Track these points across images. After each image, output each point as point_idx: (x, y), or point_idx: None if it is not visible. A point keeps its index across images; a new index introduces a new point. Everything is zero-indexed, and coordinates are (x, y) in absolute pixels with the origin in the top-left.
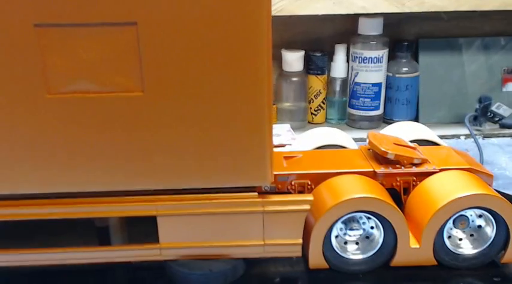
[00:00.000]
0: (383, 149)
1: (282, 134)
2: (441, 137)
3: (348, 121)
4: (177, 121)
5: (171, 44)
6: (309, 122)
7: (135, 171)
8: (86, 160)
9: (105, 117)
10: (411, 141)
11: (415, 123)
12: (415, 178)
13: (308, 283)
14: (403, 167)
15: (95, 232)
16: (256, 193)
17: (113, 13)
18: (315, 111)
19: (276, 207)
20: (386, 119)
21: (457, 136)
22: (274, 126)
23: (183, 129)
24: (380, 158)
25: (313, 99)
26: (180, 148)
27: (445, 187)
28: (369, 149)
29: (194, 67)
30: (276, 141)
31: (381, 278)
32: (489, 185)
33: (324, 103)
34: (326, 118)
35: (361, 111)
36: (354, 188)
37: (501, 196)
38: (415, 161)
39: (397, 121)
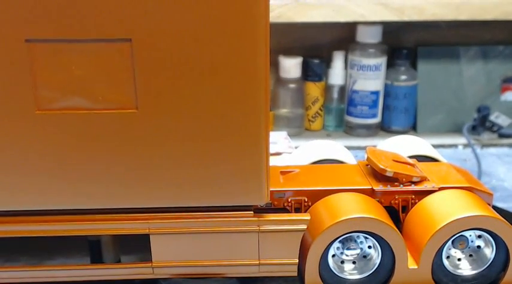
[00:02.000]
0: (381, 166)
1: (279, 142)
2: (439, 146)
3: (346, 129)
4: (171, 139)
5: (165, 61)
6: (306, 129)
7: (127, 189)
8: (76, 178)
9: (97, 135)
10: (410, 157)
11: (414, 137)
12: (413, 196)
13: None
14: (401, 185)
15: (87, 248)
16: (251, 212)
17: (106, 29)
18: (312, 118)
19: (272, 226)
20: (384, 127)
21: (455, 146)
22: (270, 133)
23: (177, 146)
24: (378, 175)
25: (311, 106)
26: (174, 166)
27: (445, 207)
28: (367, 165)
29: (189, 83)
30: (272, 149)
31: None
32: (489, 204)
33: (321, 110)
34: (323, 125)
35: (359, 119)
36: (351, 207)
37: (501, 218)
38: (414, 179)
39: (395, 129)
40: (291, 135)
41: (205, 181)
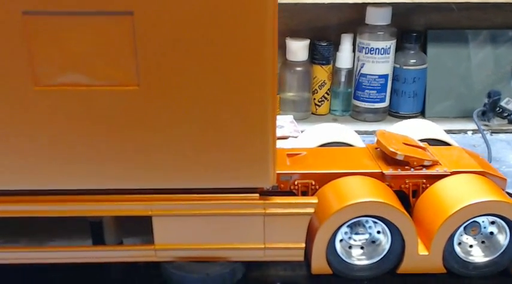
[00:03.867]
0: (392, 149)
1: (285, 125)
2: (448, 132)
3: (353, 113)
4: (175, 118)
5: (169, 36)
6: (313, 113)
7: (129, 169)
8: (76, 157)
9: (97, 112)
10: (420, 140)
11: (425, 120)
12: (425, 180)
13: None
14: (412, 169)
15: (88, 230)
16: (257, 195)
17: (108, 1)
18: (319, 101)
19: (278, 209)
20: (392, 112)
21: (464, 131)
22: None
23: (181, 125)
24: (388, 158)
25: (318, 89)
26: (177, 145)
27: (457, 192)
28: (376, 148)
29: (193, 60)
30: (278, 132)
31: None
32: (503, 189)
33: (328, 94)
34: (330, 109)
35: (366, 103)
36: (360, 191)
37: None
38: (426, 163)
39: (403, 114)
40: (297, 119)
41: (210, 162)
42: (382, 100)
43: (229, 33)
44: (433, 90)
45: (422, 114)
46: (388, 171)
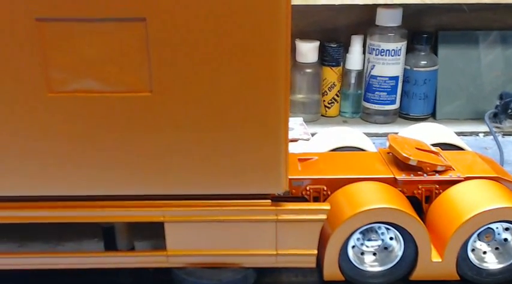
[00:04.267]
0: (405, 155)
1: (295, 128)
2: (459, 134)
3: (363, 115)
4: (187, 124)
5: (182, 41)
6: (322, 115)
7: (141, 175)
8: (89, 163)
9: (110, 118)
10: (433, 145)
11: (437, 124)
12: (438, 186)
13: None
14: (425, 174)
15: (100, 235)
16: (269, 201)
17: (120, 8)
18: (329, 103)
19: (290, 215)
20: (402, 114)
21: (476, 134)
22: None
23: (193, 131)
24: (401, 163)
25: (327, 91)
26: (190, 151)
27: (471, 198)
28: (388, 153)
29: (206, 66)
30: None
31: None
32: None
33: (338, 96)
34: (340, 111)
35: (377, 105)
36: (373, 197)
37: None
38: (439, 168)
39: (414, 116)
40: (307, 121)
41: (222, 168)
42: (393, 102)
43: (242, 37)
44: (443, 92)
45: (433, 115)
46: (401, 176)
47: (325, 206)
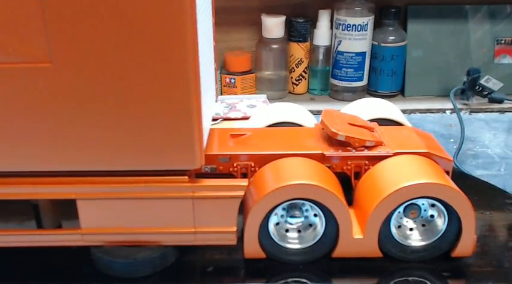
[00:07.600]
0: (333, 130)
1: (257, 105)
2: (426, 111)
3: (331, 93)
4: (91, 98)
5: (81, 8)
6: (290, 92)
7: (46, 151)
8: None
9: (8, 91)
10: (372, 120)
11: (381, 99)
12: (367, 162)
13: (243, 274)
14: (354, 150)
15: (31, 213)
16: (186, 177)
17: None
18: (296, 80)
19: (206, 192)
20: (370, 91)
21: (443, 111)
22: (249, 96)
23: (100, 105)
24: (332, 139)
25: (294, 68)
26: (97, 126)
27: (395, 174)
28: (323, 128)
29: (110, 36)
30: (248, 112)
31: (322, 270)
32: (448, 171)
33: (305, 73)
34: (308, 88)
35: (344, 82)
36: (295, 173)
37: (454, 186)
38: (368, 143)
39: (382, 93)
40: (274, 99)
41: (134, 143)
42: (360, 78)
43: (148, 8)
44: (412, 68)
45: (401, 93)
46: (329, 152)
47: (243, 182)
